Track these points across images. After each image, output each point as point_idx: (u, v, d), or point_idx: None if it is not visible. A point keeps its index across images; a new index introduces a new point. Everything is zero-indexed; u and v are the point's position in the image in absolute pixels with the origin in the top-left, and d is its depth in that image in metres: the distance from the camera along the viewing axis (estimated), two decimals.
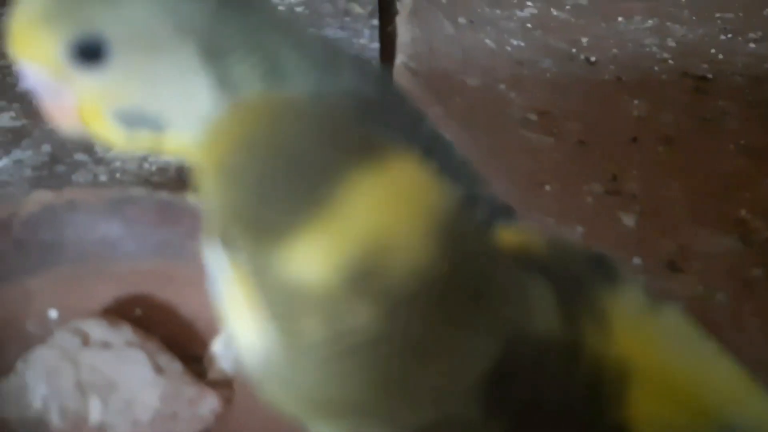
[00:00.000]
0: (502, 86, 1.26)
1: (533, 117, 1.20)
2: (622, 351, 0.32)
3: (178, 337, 0.84)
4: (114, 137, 0.41)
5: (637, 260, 0.95)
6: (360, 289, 0.26)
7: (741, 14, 1.52)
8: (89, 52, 0.39)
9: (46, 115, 0.43)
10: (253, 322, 0.29)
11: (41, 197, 0.81)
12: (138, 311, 0.84)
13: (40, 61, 0.40)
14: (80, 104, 0.41)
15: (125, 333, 0.80)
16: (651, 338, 0.34)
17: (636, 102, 1.25)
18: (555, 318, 0.31)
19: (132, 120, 0.40)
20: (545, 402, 0.29)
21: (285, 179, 0.27)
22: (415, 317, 0.26)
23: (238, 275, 0.30)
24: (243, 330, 0.31)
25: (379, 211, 0.26)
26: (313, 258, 0.26)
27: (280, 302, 0.27)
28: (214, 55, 0.38)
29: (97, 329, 0.79)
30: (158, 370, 0.78)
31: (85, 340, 0.77)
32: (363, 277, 0.26)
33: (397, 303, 0.26)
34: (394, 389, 0.27)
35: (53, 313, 0.81)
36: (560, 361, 0.30)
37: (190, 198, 0.83)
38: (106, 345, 0.78)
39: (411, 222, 0.26)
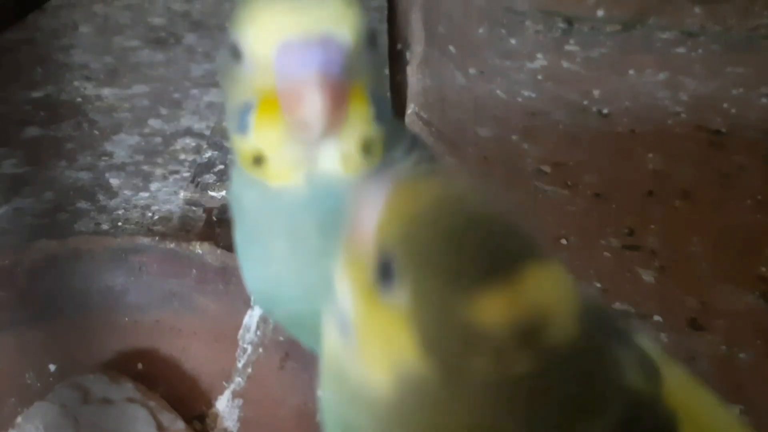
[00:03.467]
0: (515, 137, 1.24)
1: (547, 169, 1.18)
2: (671, 399, 0.36)
3: (180, 394, 0.81)
4: None
5: (657, 318, 0.92)
6: (526, 342, 0.31)
7: (751, 69, 1.51)
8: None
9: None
10: (403, 356, 0.33)
11: (45, 246, 0.78)
12: (140, 366, 0.81)
13: None
14: None
15: (126, 389, 0.77)
16: (683, 388, 0.38)
17: (651, 155, 1.23)
18: (640, 374, 0.35)
19: None
20: None
21: (479, 246, 0.32)
22: (563, 377, 0.32)
23: (395, 313, 0.33)
24: (384, 362, 0.34)
25: (550, 291, 0.32)
26: (496, 310, 0.31)
27: (455, 341, 0.31)
28: None
29: (98, 384, 0.76)
30: (160, 428, 0.75)
31: (86, 396, 0.74)
32: (530, 334, 0.31)
33: (551, 363, 0.31)
34: None
35: (53, 367, 0.78)
36: (650, 413, 0.35)
37: (197, 248, 0.80)
38: (106, 401, 0.75)
39: (568, 306, 0.32)
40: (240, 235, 0.51)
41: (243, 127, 0.45)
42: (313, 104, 0.40)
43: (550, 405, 0.32)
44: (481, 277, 0.31)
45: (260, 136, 0.44)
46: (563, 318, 0.32)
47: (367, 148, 0.44)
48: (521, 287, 0.31)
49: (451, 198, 0.34)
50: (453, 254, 0.32)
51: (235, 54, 0.44)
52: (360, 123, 0.43)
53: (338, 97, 0.41)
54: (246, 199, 0.49)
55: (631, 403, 0.34)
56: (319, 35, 0.41)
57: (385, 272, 0.34)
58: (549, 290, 0.32)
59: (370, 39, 0.43)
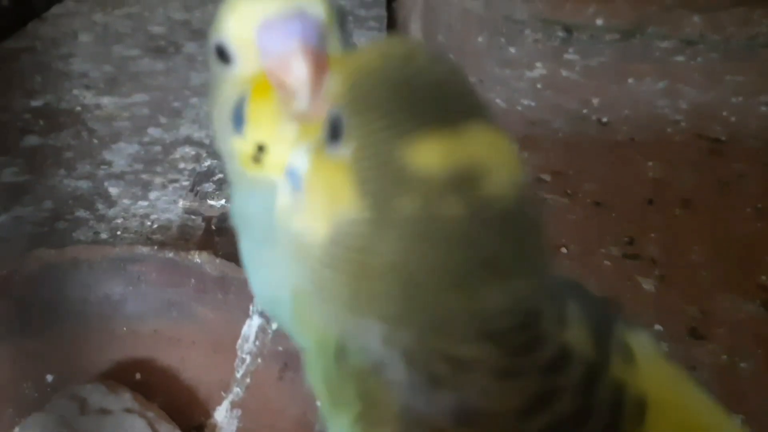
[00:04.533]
0: (515, 146, 1.24)
1: (547, 177, 1.18)
2: (643, 384, 0.36)
3: (179, 404, 0.80)
4: None
5: (658, 327, 0.92)
6: (459, 188, 0.32)
7: (751, 77, 1.51)
8: None
9: None
10: (341, 203, 0.34)
11: (42, 255, 0.77)
12: (138, 376, 0.81)
13: None
14: None
15: (124, 399, 0.76)
16: (665, 379, 0.38)
17: (650, 163, 1.23)
18: (584, 335, 0.36)
19: None
20: (559, 396, 0.34)
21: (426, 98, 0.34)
22: (486, 233, 0.33)
23: (338, 161, 0.35)
24: (325, 211, 0.35)
25: (491, 148, 0.33)
26: (432, 154, 0.32)
27: (389, 180, 0.33)
28: None
29: (96, 395, 0.76)
30: None
31: (83, 407, 0.74)
32: (464, 182, 0.32)
33: (479, 214, 0.32)
34: (441, 284, 0.33)
35: (50, 377, 0.78)
36: (582, 370, 0.35)
37: (196, 257, 0.80)
38: (104, 411, 0.75)
39: (508, 167, 0.33)
40: (246, 246, 0.51)
41: (239, 123, 0.46)
42: (299, 71, 0.41)
43: (470, 254, 0.33)
44: (423, 123, 0.33)
45: (257, 123, 0.45)
46: (499, 176, 0.33)
47: None
48: (462, 139, 0.33)
49: (402, 53, 0.36)
50: (399, 100, 0.34)
51: (222, 55, 0.46)
52: None
53: (320, 64, 0.42)
54: (250, 208, 0.49)
55: (558, 344, 0.35)
56: (295, 11, 0.43)
57: (334, 129, 0.35)
58: (489, 147, 0.33)
59: (339, 20, 0.45)
